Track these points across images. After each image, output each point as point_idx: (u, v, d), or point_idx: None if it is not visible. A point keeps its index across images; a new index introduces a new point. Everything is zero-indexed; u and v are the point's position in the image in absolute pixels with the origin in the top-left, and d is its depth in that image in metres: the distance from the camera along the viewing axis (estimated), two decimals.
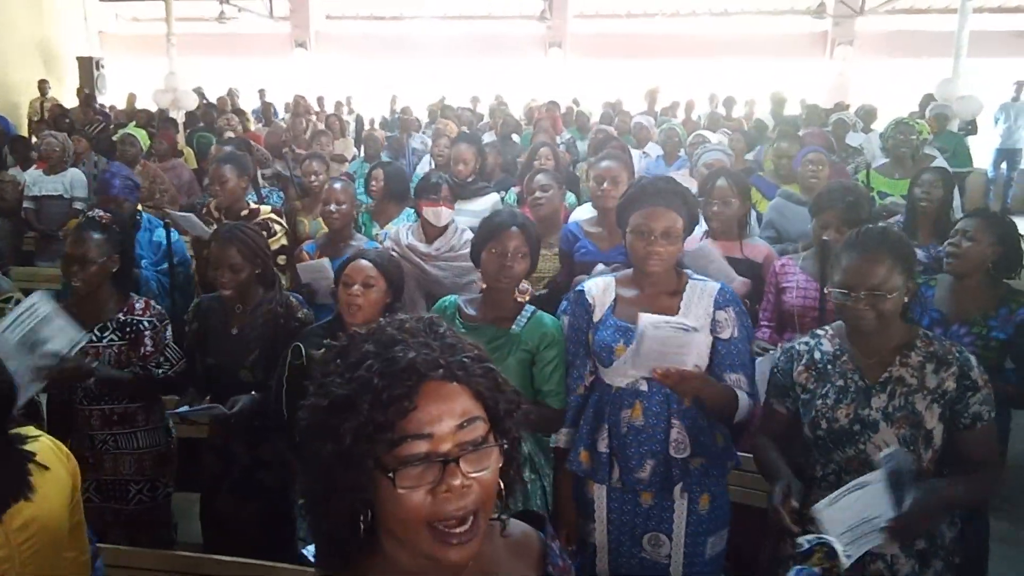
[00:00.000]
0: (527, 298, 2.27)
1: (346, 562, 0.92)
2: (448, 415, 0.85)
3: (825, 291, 1.96)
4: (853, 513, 1.60)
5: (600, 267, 2.81)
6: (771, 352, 2.46)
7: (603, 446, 2.06)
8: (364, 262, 2.34)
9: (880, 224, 3.56)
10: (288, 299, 2.65)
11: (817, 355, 1.91)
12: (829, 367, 1.88)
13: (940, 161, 5.02)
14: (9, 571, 1.27)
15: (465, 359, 0.89)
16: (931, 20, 14.16)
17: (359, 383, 0.85)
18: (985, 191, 10.35)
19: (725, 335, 2.02)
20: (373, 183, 4.03)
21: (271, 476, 2.50)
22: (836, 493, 1.64)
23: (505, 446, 0.90)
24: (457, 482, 0.84)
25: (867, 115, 8.50)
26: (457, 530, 0.85)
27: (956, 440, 1.78)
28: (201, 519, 2.70)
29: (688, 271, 2.15)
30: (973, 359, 1.79)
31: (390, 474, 0.83)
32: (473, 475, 0.85)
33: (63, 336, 2.22)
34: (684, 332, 1.85)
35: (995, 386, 2.35)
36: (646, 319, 1.86)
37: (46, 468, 1.33)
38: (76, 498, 1.42)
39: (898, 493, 1.60)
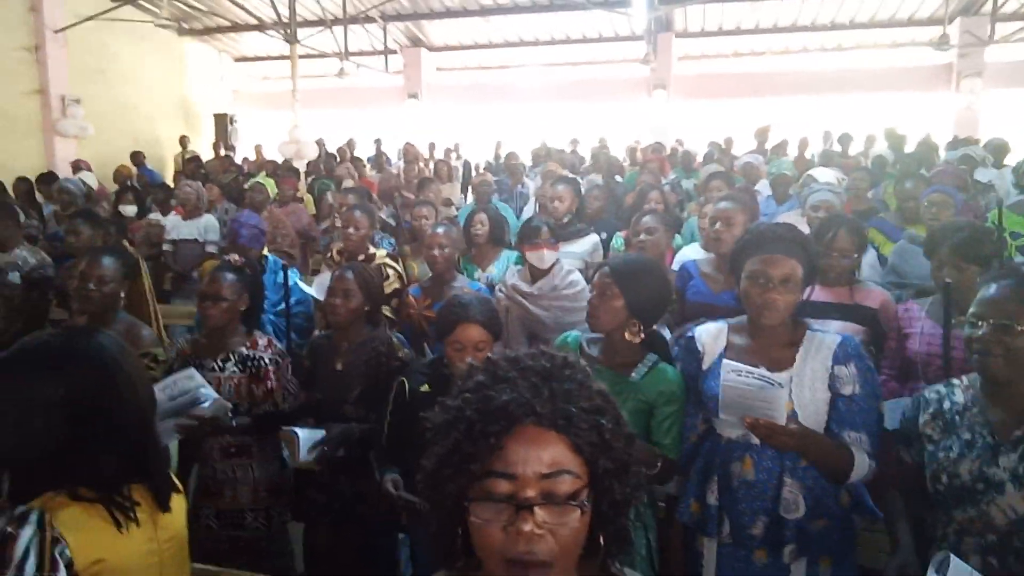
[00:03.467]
0: (637, 339, 2.17)
1: (449, 564, 0.97)
2: (536, 461, 0.86)
3: (954, 320, 1.82)
4: None
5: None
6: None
7: (712, 498, 1.97)
8: (475, 329, 2.24)
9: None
10: (391, 339, 2.74)
11: (947, 404, 1.78)
12: (957, 418, 1.74)
13: None
14: (156, 566, 1.40)
15: (574, 409, 0.88)
16: None
17: (456, 413, 0.90)
18: None
19: (846, 391, 1.87)
20: (479, 227, 4.12)
21: (370, 510, 2.57)
22: None
23: (587, 507, 0.88)
24: (527, 528, 0.84)
25: (998, 150, 7.91)
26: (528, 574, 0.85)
27: None
28: (304, 549, 2.79)
29: (808, 320, 2.03)
30: None
31: (466, 503, 0.86)
32: (549, 525, 0.85)
33: (209, 403, 2.45)
34: (766, 386, 1.75)
35: None
36: (727, 365, 1.81)
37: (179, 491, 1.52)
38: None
39: None
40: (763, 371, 1.79)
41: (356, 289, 2.67)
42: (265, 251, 4.14)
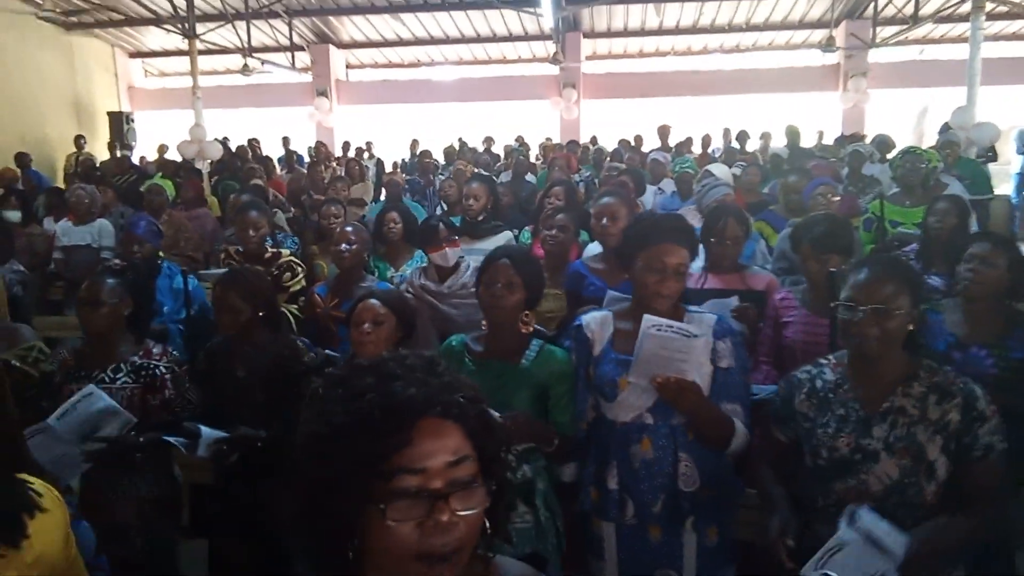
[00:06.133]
0: (530, 329, 2.23)
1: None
2: (442, 452, 0.87)
3: (831, 305, 1.95)
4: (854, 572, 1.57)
5: (611, 294, 2.81)
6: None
7: (613, 483, 2.03)
8: (373, 301, 2.37)
9: (893, 253, 3.62)
10: (294, 342, 2.69)
11: (819, 384, 1.89)
12: (831, 396, 1.85)
13: (956, 188, 5.00)
14: None
15: (461, 399, 0.91)
16: (944, 50, 14.21)
17: (358, 414, 0.87)
18: (1009, 217, 10.25)
19: (724, 364, 2.01)
20: (391, 225, 4.09)
21: (273, 518, 2.50)
22: (817, 556, 1.61)
23: (493, 487, 0.91)
24: (445, 518, 0.85)
25: (883, 145, 8.49)
26: (441, 567, 0.86)
27: (967, 472, 1.72)
28: (210, 564, 2.69)
29: (684, 304, 2.14)
30: (979, 389, 1.73)
31: (381, 506, 0.85)
32: (461, 513, 0.87)
33: (114, 421, 2.36)
34: (685, 337, 1.86)
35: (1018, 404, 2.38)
36: (648, 319, 1.88)
37: (45, 510, 1.37)
38: (68, 535, 1.48)
39: (881, 544, 1.58)
40: (681, 324, 1.90)
41: (241, 303, 2.59)
42: (160, 255, 3.98)
